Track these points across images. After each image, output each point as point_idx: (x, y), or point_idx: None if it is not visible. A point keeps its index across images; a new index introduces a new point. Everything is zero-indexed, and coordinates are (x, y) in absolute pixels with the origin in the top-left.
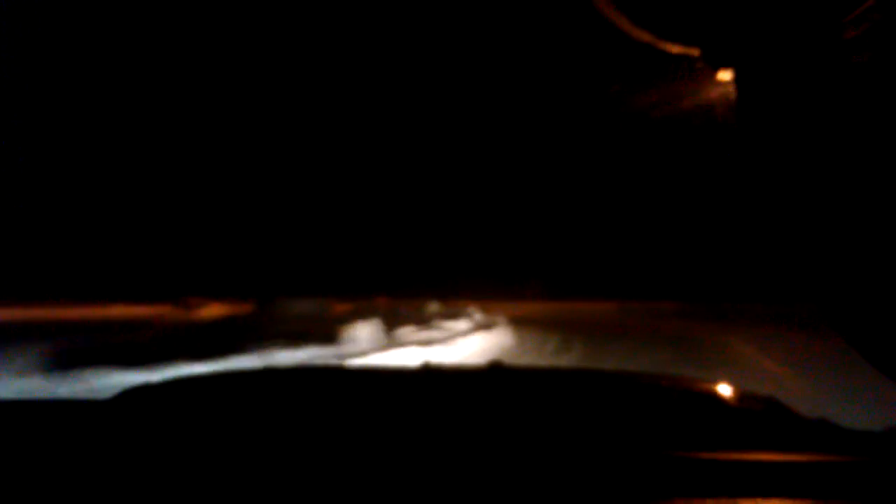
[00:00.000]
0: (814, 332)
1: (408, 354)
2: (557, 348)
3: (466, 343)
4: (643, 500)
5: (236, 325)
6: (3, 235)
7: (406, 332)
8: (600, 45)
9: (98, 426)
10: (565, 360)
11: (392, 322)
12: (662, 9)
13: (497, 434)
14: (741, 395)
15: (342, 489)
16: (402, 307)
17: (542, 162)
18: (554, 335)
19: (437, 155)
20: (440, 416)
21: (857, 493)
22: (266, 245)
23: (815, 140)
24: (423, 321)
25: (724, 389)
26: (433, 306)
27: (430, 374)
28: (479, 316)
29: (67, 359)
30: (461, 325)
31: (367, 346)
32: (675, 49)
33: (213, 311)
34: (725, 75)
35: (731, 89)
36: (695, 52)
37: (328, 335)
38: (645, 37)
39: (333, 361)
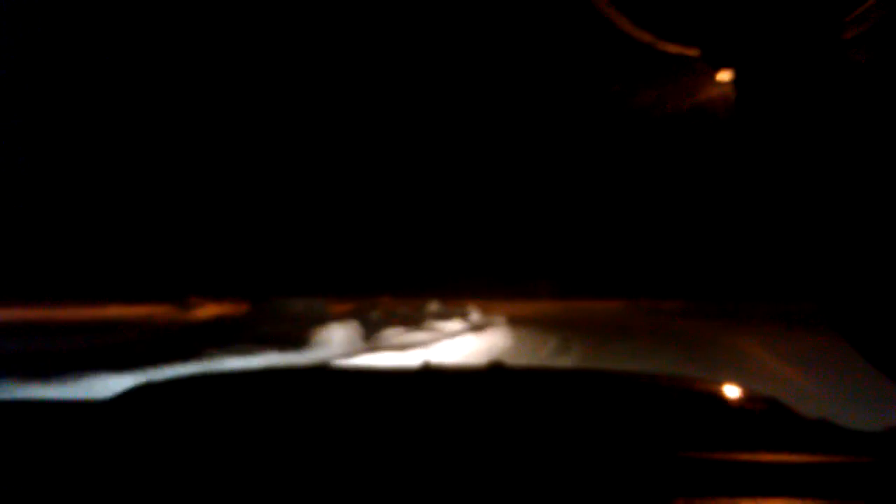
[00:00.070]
0: (818, 331)
1: (408, 354)
2: (559, 348)
3: (467, 343)
4: (643, 501)
5: (235, 325)
6: (4, 236)
7: (406, 331)
8: (600, 45)
9: (98, 426)
10: (567, 360)
11: (392, 322)
12: (662, 9)
13: (497, 434)
14: (742, 395)
15: (342, 489)
16: (401, 307)
17: (546, 162)
18: (557, 335)
19: (438, 154)
20: (440, 417)
21: (858, 492)
22: (264, 245)
23: (815, 140)
24: (423, 321)
25: (725, 389)
26: (433, 306)
27: (430, 374)
28: (480, 316)
29: (67, 359)
30: (462, 324)
31: (367, 346)
32: (675, 49)
33: (211, 310)
34: (725, 75)
35: (731, 89)
36: (694, 52)
37: (327, 335)
38: (645, 37)
39: (333, 361)
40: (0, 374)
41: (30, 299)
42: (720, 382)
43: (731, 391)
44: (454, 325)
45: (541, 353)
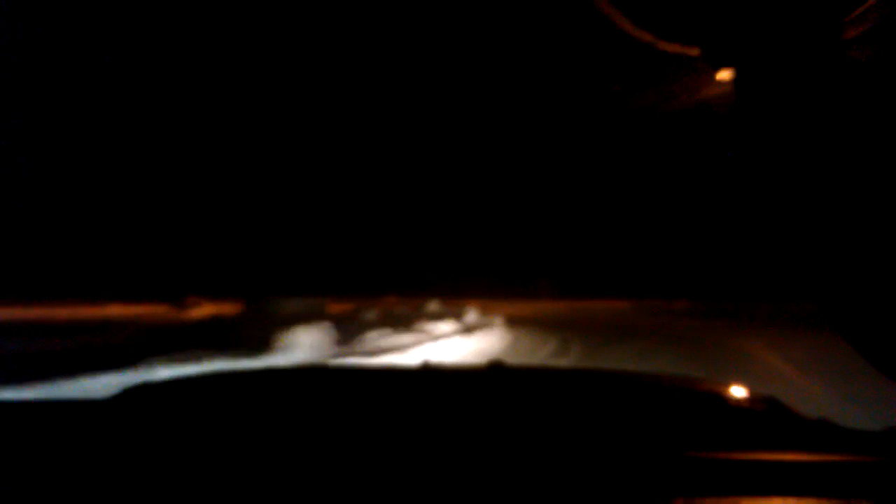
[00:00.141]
0: (819, 331)
1: (405, 355)
2: (559, 349)
3: (460, 344)
4: (644, 500)
5: (233, 325)
6: (2, 236)
7: (404, 332)
8: (600, 45)
9: (98, 426)
10: (566, 361)
11: (390, 322)
12: (662, 9)
13: (497, 434)
14: (742, 395)
15: (342, 489)
16: (400, 307)
17: (550, 161)
18: (556, 335)
19: (441, 153)
20: (440, 416)
21: (858, 491)
22: (262, 244)
23: (815, 140)
24: (421, 321)
25: (725, 389)
26: (433, 305)
27: (430, 374)
28: (478, 316)
29: (66, 359)
30: (458, 325)
31: (366, 346)
32: (676, 49)
33: (208, 310)
34: (725, 75)
35: (731, 89)
36: (694, 52)
37: (326, 335)
38: (645, 37)
39: (332, 361)
40: (0, 374)
41: (29, 299)
42: (720, 382)
43: (732, 391)
44: (451, 326)
45: (539, 354)
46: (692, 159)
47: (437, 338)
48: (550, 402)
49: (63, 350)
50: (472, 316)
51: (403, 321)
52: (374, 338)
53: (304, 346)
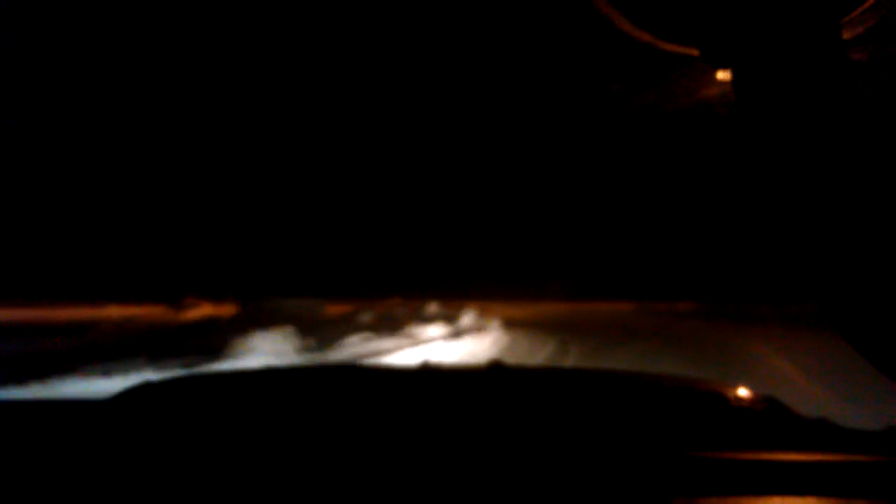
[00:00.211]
0: (822, 331)
1: (407, 355)
2: (557, 351)
3: (469, 344)
4: (644, 500)
5: (231, 325)
6: (2, 237)
7: (406, 333)
8: (600, 45)
9: (98, 426)
10: (570, 361)
11: (391, 323)
12: (662, 8)
13: (497, 434)
14: (742, 395)
15: (342, 489)
16: (401, 308)
17: (552, 162)
18: (556, 338)
19: (444, 153)
20: (440, 416)
21: (859, 491)
22: (260, 245)
23: (814, 140)
24: (419, 323)
25: (726, 389)
26: (433, 307)
27: (430, 374)
28: (482, 318)
29: (66, 359)
30: (464, 326)
31: (365, 347)
32: (675, 49)
33: (204, 311)
34: (725, 75)
35: (731, 89)
36: (694, 51)
37: (324, 336)
38: (644, 37)
39: (331, 362)
40: (0, 374)
41: (28, 299)
42: (721, 382)
43: (732, 391)
44: (451, 327)
45: (540, 355)
46: (695, 160)
47: (436, 339)
48: (550, 403)
49: (63, 350)
50: (472, 318)
51: (403, 322)
52: (374, 339)
53: (302, 346)
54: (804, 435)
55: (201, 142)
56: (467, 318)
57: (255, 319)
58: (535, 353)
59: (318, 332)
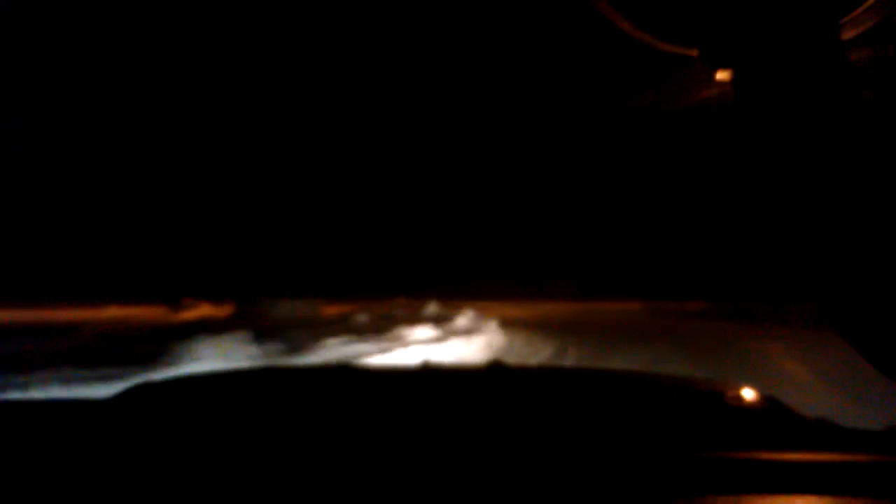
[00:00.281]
0: (822, 331)
1: (408, 355)
2: (566, 349)
3: (469, 345)
4: (644, 500)
5: (230, 326)
6: (3, 239)
7: (407, 332)
8: (600, 45)
9: (98, 426)
10: (573, 362)
11: (392, 323)
12: (661, 9)
13: (498, 434)
14: (743, 395)
15: (342, 489)
16: (402, 308)
17: (561, 161)
18: (566, 336)
19: (447, 151)
20: (440, 416)
21: (860, 491)
22: (260, 246)
23: (814, 140)
24: (425, 322)
25: (727, 389)
26: (434, 307)
27: (430, 374)
28: (484, 318)
29: (66, 359)
30: (465, 327)
31: (364, 347)
32: (674, 49)
33: (206, 311)
34: (724, 75)
35: (730, 89)
36: (693, 52)
37: (323, 335)
38: (644, 37)
39: (331, 361)
40: (1, 374)
41: (28, 300)
42: (722, 382)
43: (733, 391)
44: (451, 327)
45: (539, 357)
46: (708, 159)
47: (437, 339)
48: (551, 402)
49: (63, 350)
50: (473, 318)
51: (402, 322)
52: (373, 339)
53: (300, 346)
54: (806, 435)
55: (198, 140)
56: (468, 318)
57: (253, 320)
58: (537, 352)
59: (317, 331)
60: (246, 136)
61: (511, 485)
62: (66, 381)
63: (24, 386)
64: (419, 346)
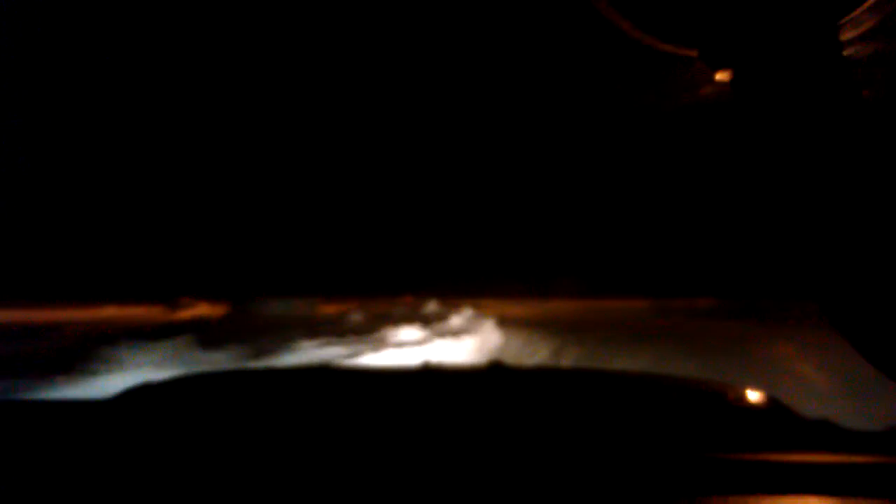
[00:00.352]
0: (822, 331)
1: (408, 355)
2: (569, 349)
3: (469, 346)
4: (646, 501)
5: (227, 325)
6: (2, 236)
7: (407, 331)
8: (601, 45)
9: (98, 426)
10: (576, 362)
11: (392, 322)
12: (662, 9)
13: (498, 434)
14: (744, 396)
15: (342, 489)
16: (396, 307)
17: (563, 158)
18: (569, 336)
19: (444, 149)
20: (440, 417)
21: (861, 491)
22: (257, 244)
23: (814, 140)
24: (422, 321)
25: (728, 389)
26: (434, 305)
27: (429, 375)
28: (485, 317)
29: (65, 359)
30: (465, 326)
31: (363, 347)
32: (675, 49)
33: (204, 310)
34: (724, 75)
35: (730, 89)
36: (693, 52)
37: (322, 335)
38: (644, 37)
39: (330, 361)
40: (0, 374)
41: (22, 299)
42: (723, 383)
43: (734, 391)
44: (444, 328)
45: (542, 357)
46: (712, 153)
47: (436, 339)
48: (552, 403)
49: (62, 350)
50: (474, 317)
51: (405, 321)
52: (373, 338)
53: (299, 346)
54: (807, 436)
55: (192, 136)
56: (470, 317)
57: (250, 318)
58: (539, 352)
59: (315, 330)
60: (244, 132)
61: (512, 486)
62: (65, 381)
63: (23, 386)
64: (419, 346)
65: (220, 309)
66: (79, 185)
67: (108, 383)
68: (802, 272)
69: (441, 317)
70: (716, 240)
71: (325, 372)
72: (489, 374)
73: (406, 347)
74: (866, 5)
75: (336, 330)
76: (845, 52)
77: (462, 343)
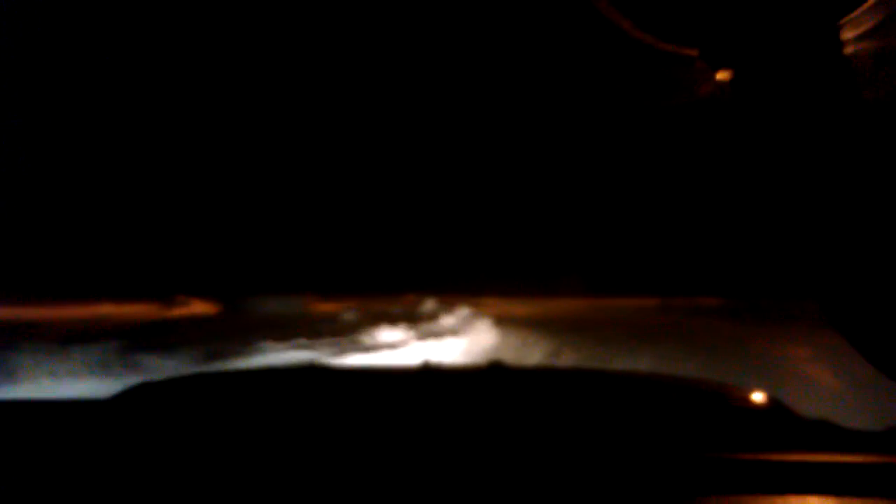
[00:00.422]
0: (822, 331)
1: (407, 355)
2: (571, 349)
3: (469, 346)
4: (647, 502)
5: (224, 323)
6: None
7: (406, 331)
8: (601, 45)
9: (98, 426)
10: (577, 362)
11: (391, 321)
12: (662, 10)
13: (498, 435)
14: (745, 396)
15: (342, 489)
16: (394, 306)
17: (566, 157)
18: (571, 335)
19: (445, 149)
20: (440, 417)
21: (862, 491)
22: (254, 242)
23: (814, 139)
24: (420, 320)
25: (729, 390)
26: (433, 304)
27: (429, 375)
28: (485, 316)
29: (65, 359)
30: (466, 325)
31: (363, 346)
32: (675, 49)
33: (200, 308)
34: (725, 75)
35: (731, 89)
36: (694, 52)
37: (320, 333)
38: (645, 37)
39: (330, 361)
40: (1, 374)
41: (27, 299)
42: (724, 383)
43: (735, 392)
44: (443, 327)
45: (543, 356)
46: (710, 153)
47: (436, 338)
48: (552, 403)
49: (62, 350)
50: (476, 316)
51: (405, 320)
52: (372, 337)
53: (296, 345)
54: (808, 436)
55: (187, 131)
56: (470, 316)
57: (246, 317)
58: (541, 351)
59: (312, 329)
60: (240, 127)
61: (512, 487)
62: (63, 381)
63: (19, 385)
64: (419, 345)
65: (216, 307)
66: (72, 182)
67: (108, 383)
68: (802, 272)
69: (440, 316)
70: (716, 239)
71: (324, 372)
72: (488, 374)
73: (405, 347)
74: (866, 5)
75: (334, 329)
76: (845, 52)
77: (462, 342)
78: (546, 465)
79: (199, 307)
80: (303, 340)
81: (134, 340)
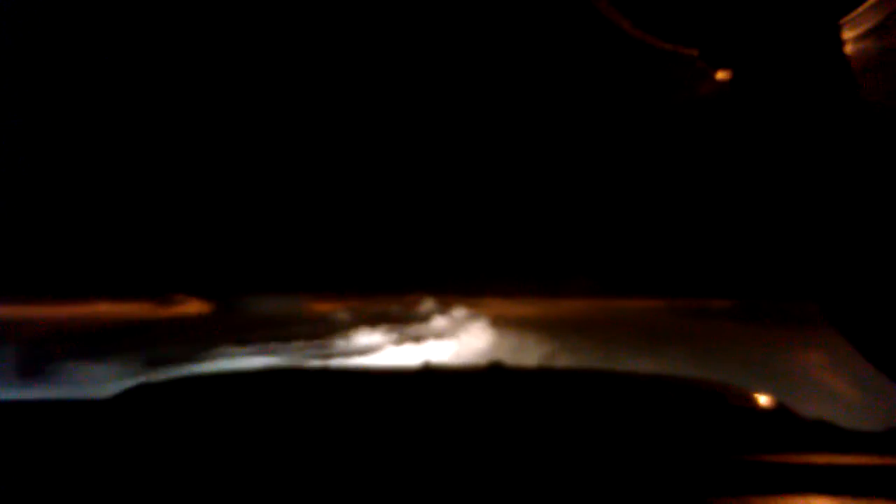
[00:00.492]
0: (822, 331)
1: (407, 354)
2: (572, 350)
3: (471, 344)
4: (647, 501)
5: (220, 322)
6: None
7: (405, 331)
8: (602, 45)
9: (98, 426)
10: (580, 363)
11: (391, 320)
12: (662, 9)
13: (499, 437)
14: (746, 397)
15: (342, 489)
16: (393, 306)
17: (569, 156)
18: (573, 336)
19: (446, 148)
20: (439, 419)
21: (863, 491)
22: (246, 241)
23: (814, 139)
24: (419, 319)
25: (730, 391)
26: (435, 303)
27: (429, 375)
28: (485, 316)
29: (65, 359)
30: (465, 325)
31: (361, 346)
32: (676, 49)
33: (197, 307)
34: (725, 75)
35: (731, 88)
36: (694, 52)
37: (317, 333)
38: (645, 37)
39: (330, 361)
40: (0, 374)
41: (26, 298)
42: (726, 385)
43: (737, 394)
44: (443, 327)
45: (544, 358)
46: (705, 156)
47: (435, 338)
48: (552, 404)
49: (61, 350)
50: (478, 315)
51: (405, 319)
52: (371, 337)
53: (293, 344)
54: (807, 436)
55: (183, 131)
56: (470, 316)
57: (243, 316)
58: (544, 352)
59: (310, 329)
60: (236, 126)
61: (513, 487)
62: (66, 381)
63: (17, 385)
64: (418, 346)
65: (213, 306)
66: (68, 180)
67: (104, 382)
68: (802, 272)
69: (440, 316)
70: (716, 239)
71: (323, 372)
72: (489, 375)
73: (404, 347)
74: (866, 5)
75: (331, 328)
76: (845, 52)
77: (461, 343)
78: (547, 467)
79: (195, 306)
80: (300, 340)
81: (129, 339)
